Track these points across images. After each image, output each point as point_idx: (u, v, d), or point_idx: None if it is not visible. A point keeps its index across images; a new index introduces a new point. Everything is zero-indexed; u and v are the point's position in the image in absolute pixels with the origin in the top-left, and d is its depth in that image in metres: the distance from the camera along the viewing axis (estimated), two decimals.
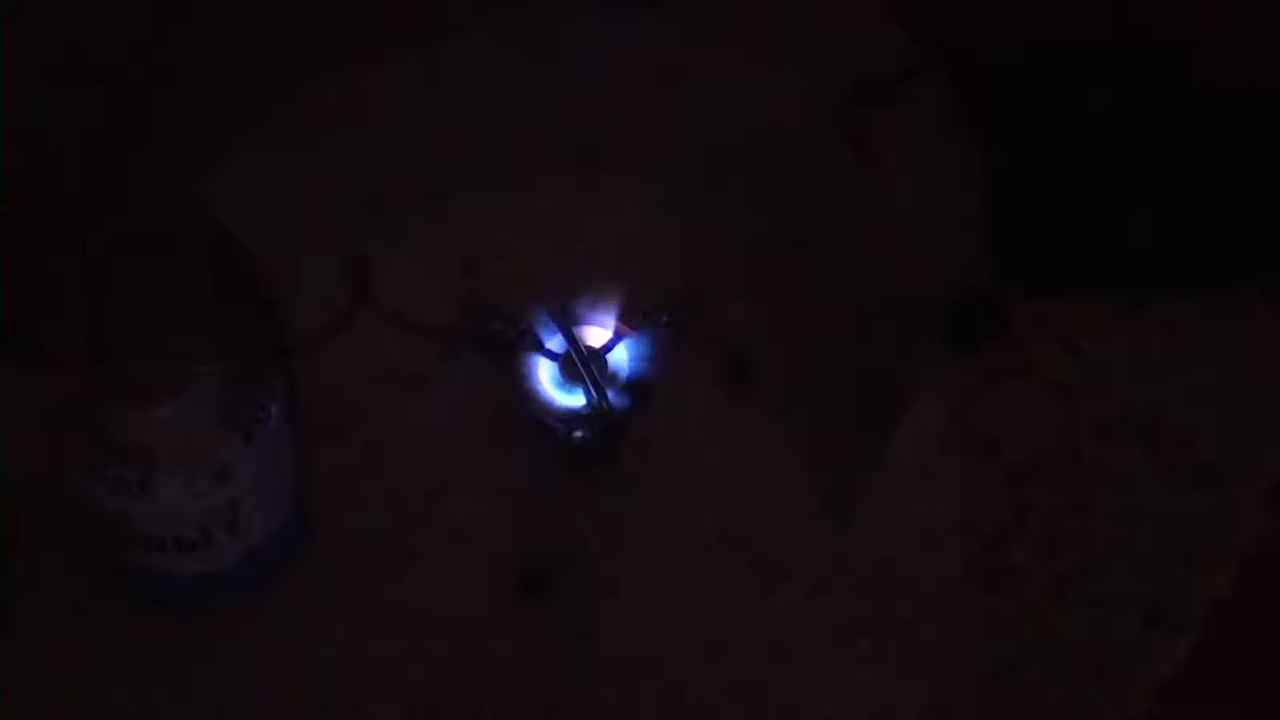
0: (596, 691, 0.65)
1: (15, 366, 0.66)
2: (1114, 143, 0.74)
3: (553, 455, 0.70)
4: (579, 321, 0.72)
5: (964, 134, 0.73)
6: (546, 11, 0.73)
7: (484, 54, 0.73)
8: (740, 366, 0.74)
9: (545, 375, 0.72)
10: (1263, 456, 0.70)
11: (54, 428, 0.61)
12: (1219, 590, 0.67)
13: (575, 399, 0.70)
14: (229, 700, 0.64)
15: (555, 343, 0.71)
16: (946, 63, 0.74)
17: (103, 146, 0.68)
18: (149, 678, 0.64)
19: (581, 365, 0.70)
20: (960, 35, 0.75)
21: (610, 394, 0.70)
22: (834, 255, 0.74)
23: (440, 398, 0.73)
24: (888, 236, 0.71)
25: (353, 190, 0.73)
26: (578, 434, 0.70)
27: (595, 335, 0.72)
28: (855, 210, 0.72)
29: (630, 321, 0.72)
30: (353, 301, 0.68)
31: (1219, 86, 0.76)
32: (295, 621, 0.66)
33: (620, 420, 0.70)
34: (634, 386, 0.72)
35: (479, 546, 0.69)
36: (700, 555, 0.69)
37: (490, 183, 0.76)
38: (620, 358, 0.72)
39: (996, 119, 0.74)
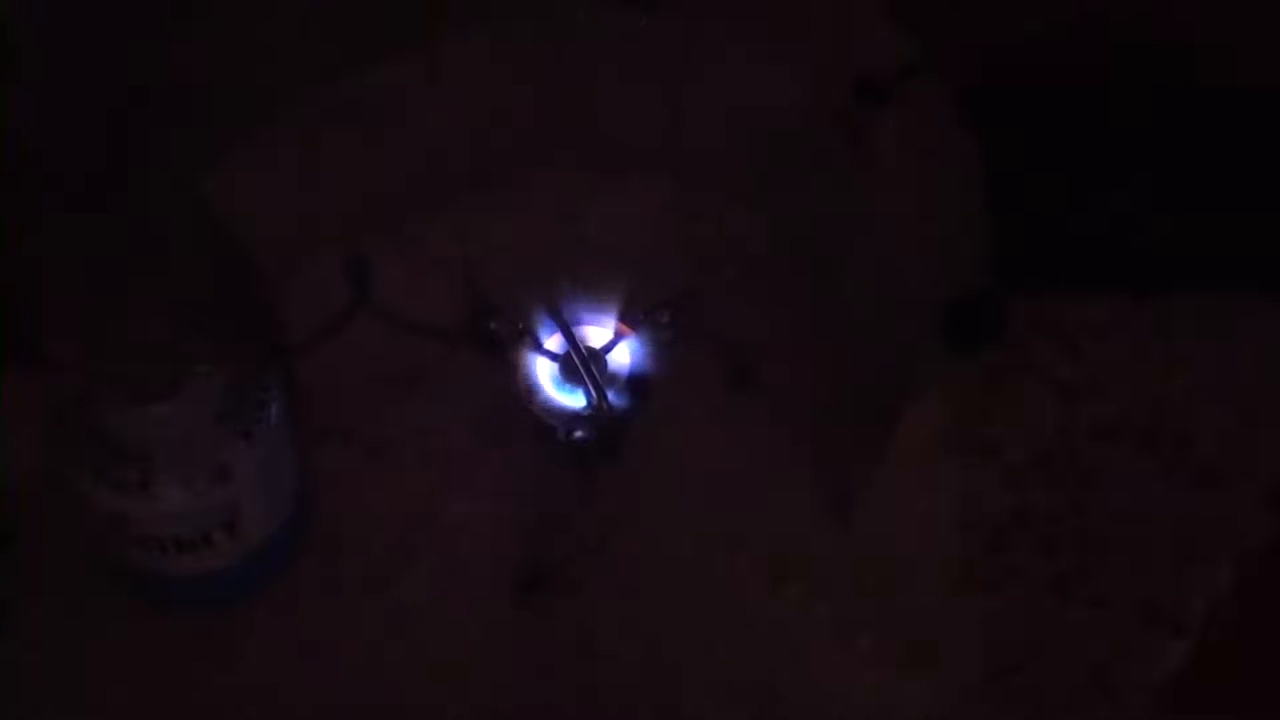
0: (596, 691, 0.65)
1: (15, 366, 0.66)
2: (1114, 143, 0.75)
3: (553, 455, 0.70)
4: (579, 321, 0.72)
5: (964, 134, 0.73)
6: (546, 11, 0.73)
7: (484, 54, 0.73)
8: (740, 366, 0.74)
9: (545, 375, 0.71)
10: (1263, 456, 0.70)
11: (54, 428, 0.61)
12: (1219, 590, 0.67)
13: (575, 399, 0.70)
14: (229, 700, 0.64)
15: (555, 343, 0.71)
16: (946, 63, 0.74)
17: (103, 146, 0.68)
18: (149, 678, 0.64)
19: (581, 365, 0.70)
20: (960, 35, 0.75)
21: (610, 394, 0.70)
22: (834, 255, 0.74)
23: (440, 398, 0.73)
24: (888, 236, 0.71)
25: (353, 190, 0.73)
26: (578, 434, 0.70)
27: (595, 335, 0.72)
28: (855, 210, 0.72)
29: (630, 321, 0.72)
30: (352, 301, 0.68)
31: (1219, 86, 0.76)
32: (295, 621, 0.66)
33: (620, 420, 0.70)
34: (634, 386, 0.72)
35: (479, 546, 0.69)
36: (701, 555, 0.69)
37: (490, 183, 0.76)
38: (620, 358, 0.72)
39: (996, 119, 0.74)
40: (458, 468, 0.71)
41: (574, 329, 0.71)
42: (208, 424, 0.60)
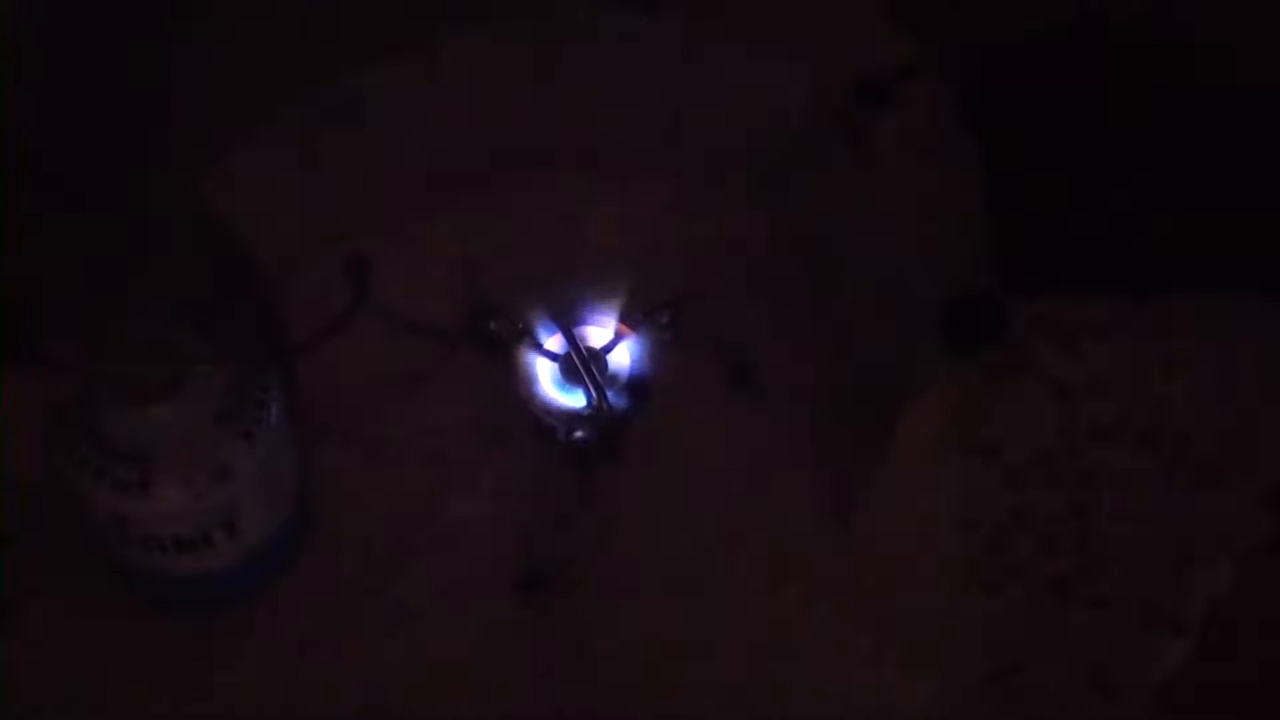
0: (596, 691, 0.65)
1: (15, 366, 0.66)
2: (1114, 143, 0.75)
3: (553, 455, 0.70)
4: (579, 321, 0.72)
5: (964, 134, 0.73)
6: (546, 11, 0.73)
7: (484, 54, 0.73)
8: (740, 366, 0.74)
9: (545, 375, 0.72)
10: (1263, 456, 0.70)
11: (54, 428, 0.61)
12: (1219, 590, 0.67)
13: (575, 399, 0.70)
14: (229, 700, 0.64)
15: (555, 343, 0.72)
16: (946, 63, 0.74)
17: (103, 146, 0.68)
18: (149, 678, 0.64)
19: (581, 365, 0.70)
20: (960, 35, 0.75)
21: (610, 394, 0.70)
22: (834, 255, 0.74)
23: (440, 398, 0.73)
24: (888, 236, 0.71)
25: (353, 190, 0.73)
26: (578, 434, 0.70)
27: (595, 335, 0.73)
28: (855, 210, 0.72)
29: (630, 321, 0.72)
30: (352, 301, 0.68)
31: (1219, 86, 0.76)
32: (295, 621, 0.66)
33: (620, 420, 0.70)
34: (634, 386, 0.72)
35: (479, 546, 0.69)
36: (701, 555, 0.69)
37: (490, 183, 0.76)
38: (620, 358, 0.72)
39: (996, 119, 0.74)
40: (458, 468, 0.71)
41: (574, 329, 0.71)
42: (208, 424, 0.60)
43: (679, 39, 0.74)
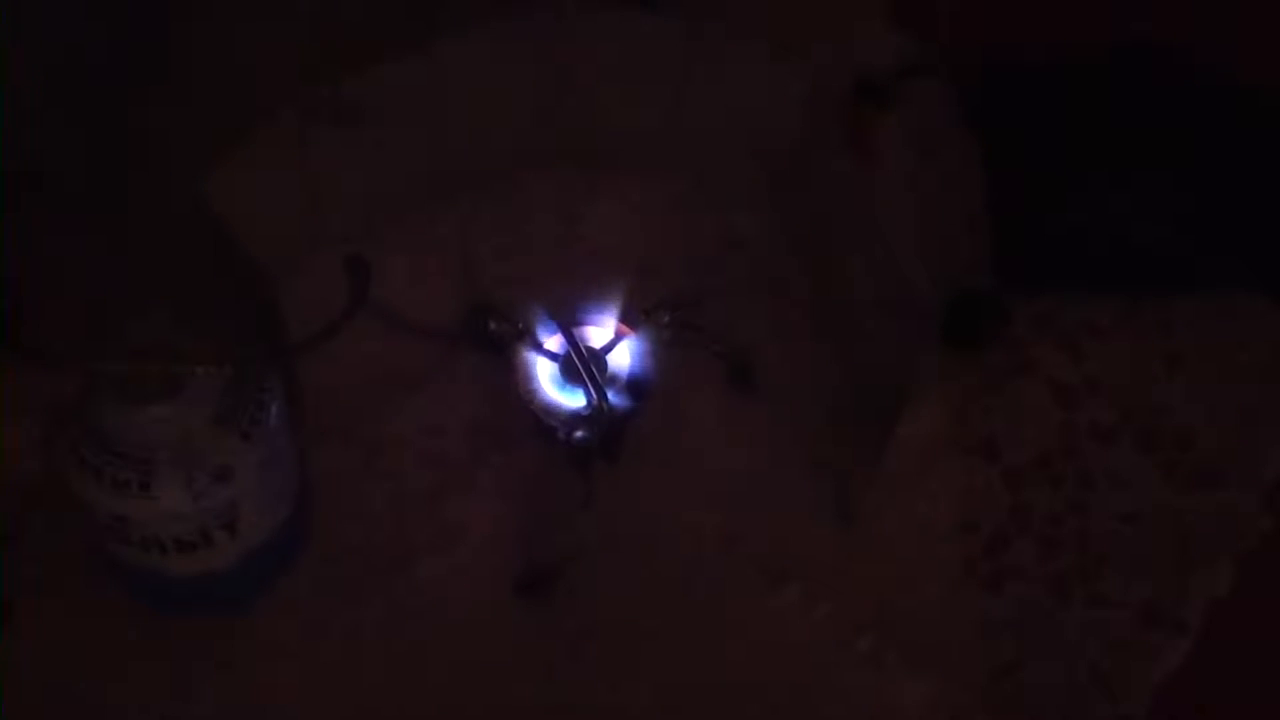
0: (596, 691, 0.65)
1: (15, 366, 0.66)
2: (1114, 143, 0.75)
3: (553, 455, 0.70)
4: (579, 321, 0.72)
5: (964, 134, 0.73)
6: (546, 11, 0.73)
7: (484, 54, 0.73)
8: (740, 366, 0.74)
9: (545, 375, 0.71)
10: (1263, 456, 0.71)
11: (54, 428, 0.61)
12: (1219, 590, 0.67)
13: (575, 399, 0.70)
14: (229, 700, 0.64)
15: (555, 343, 0.71)
16: (946, 63, 0.74)
17: (103, 146, 0.68)
18: (149, 677, 0.64)
19: (581, 365, 0.70)
20: (960, 35, 0.75)
21: (610, 394, 0.70)
22: (834, 255, 0.74)
23: (440, 398, 0.73)
24: (888, 236, 0.71)
25: (353, 190, 0.73)
26: (578, 434, 0.70)
27: (595, 335, 0.72)
28: (855, 210, 0.72)
29: (630, 321, 0.72)
30: (352, 302, 0.68)
31: (1219, 86, 0.76)
32: (295, 621, 0.66)
33: (620, 420, 0.70)
34: (634, 386, 0.72)
35: (479, 546, 0.69)
36: (700, 555, 0.69)
37: (490, 183, 0.76)
38: (620, 358, 0.72)
39: (996, 119, 0.74)
40: (457, 468, 0.71)
41: (574, 329, 0.71)
42: (208, 424, 0.60)
43: (679, 38, 0.74)
